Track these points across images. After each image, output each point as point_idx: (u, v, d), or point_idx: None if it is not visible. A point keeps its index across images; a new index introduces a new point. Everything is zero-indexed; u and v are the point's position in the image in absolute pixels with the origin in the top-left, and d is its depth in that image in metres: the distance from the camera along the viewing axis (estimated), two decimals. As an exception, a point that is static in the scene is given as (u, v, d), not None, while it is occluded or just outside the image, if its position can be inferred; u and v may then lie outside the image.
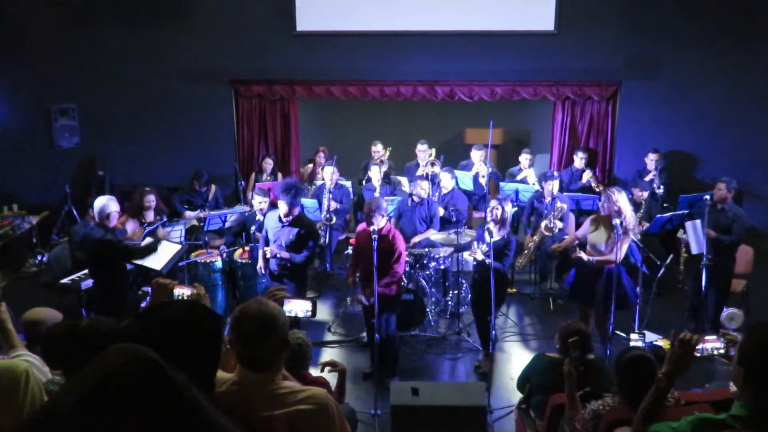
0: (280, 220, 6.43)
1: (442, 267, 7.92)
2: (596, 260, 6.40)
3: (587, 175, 9.33)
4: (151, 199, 8.12)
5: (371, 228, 6.11)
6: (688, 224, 7.08)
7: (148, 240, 6.87)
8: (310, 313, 3.79)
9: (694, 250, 7.02)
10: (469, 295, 7.50)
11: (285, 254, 6.39)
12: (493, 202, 6.60)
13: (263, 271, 6.78)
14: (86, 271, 6.90)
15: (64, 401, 1.24)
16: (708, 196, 7.11)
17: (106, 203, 6.44)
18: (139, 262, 6.62)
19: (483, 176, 9.29)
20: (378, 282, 6.09)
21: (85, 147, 10.10)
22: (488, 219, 6.60)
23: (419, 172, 9.33)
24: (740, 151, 10.01)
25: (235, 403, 2.34)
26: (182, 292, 3.41)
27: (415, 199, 8.10)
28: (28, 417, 1.35)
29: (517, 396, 5.38)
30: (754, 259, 7.91)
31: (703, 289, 6.87)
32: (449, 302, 8.00)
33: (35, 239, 9.73)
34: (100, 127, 10.24)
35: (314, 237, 6.61)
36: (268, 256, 6.52)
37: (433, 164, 9.35)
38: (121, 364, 1.31)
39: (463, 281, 7.99)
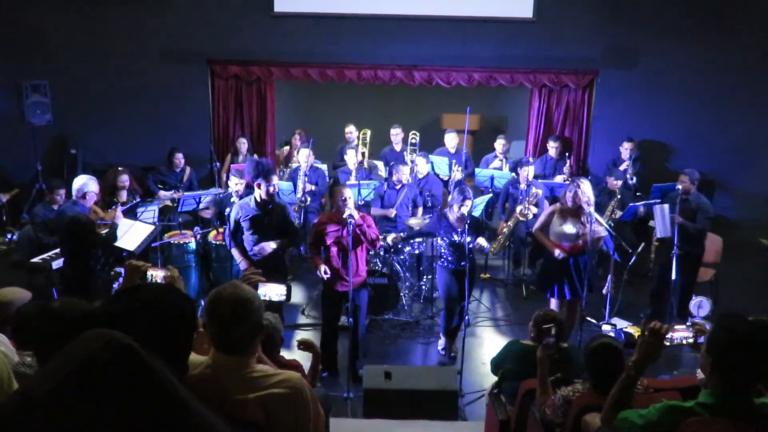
0: (257, 206, 6.24)
1: (417, 252, 7.95)
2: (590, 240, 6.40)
3: (566, 170, 9.26)
4: (124, 179, 8.04)
5: (346, 215, 5.85)
6: (656, 208, 7.12)
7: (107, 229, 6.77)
8: (284, 297, 3.79)
9: (659, 233, 7.09)
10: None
11: (272, 246, 6.26)
12: (468, 202, 6.46)
13: (244, 265, 6.27)
14: (58, 250, 6.82)
15: (39, 388, 1.23)
16: (679, 186, 7.22)
17: (85, 182, 6.38)
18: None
19: (457, 171, 9.19)
20: (360, 269, 6.14)
21: (58, 125, 9.96)
22: (456, 213, 6.46)
23: (407, 158, 9.29)
24: (713, 143, 10.17)
25: (208, 386, 2.33)
26: (155, 274, 3.39)
27: (397, 184, 8.14)
28: (1, 406, 1.33)
29: (488, 380, 5.43)
30: (723, 248, 8.01)
31: (674, 276, 6.96)
32: (423, 287, 8.03)
33: (5, 217, 9.61)
34: (73, 105, 10.09)
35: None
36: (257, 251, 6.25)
37: (413, 145, 9.39)
38: (97, 351, 1.29)
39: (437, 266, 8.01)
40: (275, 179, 6.27)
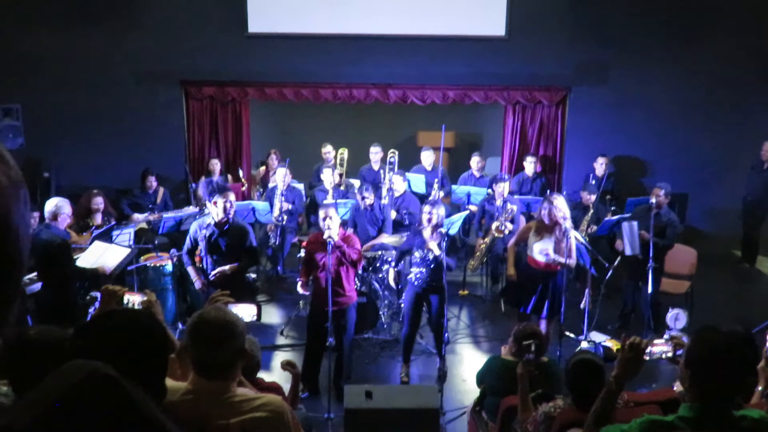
0: (214, 225, 6.22)
1: (396, 269, 7.93)
2: (557, 261, 6.42)
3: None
4: (99, 202, 7.95)
5: (326, 236, 5.84)
6: (625, 225, 7.22)
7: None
8: (255, 318, 3.78)
9: (628, 251, 7.19)
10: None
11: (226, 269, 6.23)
12: (426, 207, 6.46)
13: (204, 289, 6.37)
14: (33, 275, 6.71)
15: (20, 421, 1.21)
16: (653, 200, 7.33)
17: (57, 203, 6.30)
18: (87, 266, 6.47)
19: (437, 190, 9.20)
20: (348, 290, 6.11)
21: (30, 148, 9.84)
22: (425, 224, 6.40)
23: (384, 177, 9.29)
24: (685, 157, 10.30)
25: (189, 412, 2.31)
26: (133, 298, 3.37)
27: (362, 204, 8.15)
28: None
29: (469, 397, 5.42)
30: (697, 261, 8.11)
31: (650, 291, 7.04)
32: (402, 305, 8.00)
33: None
34: (46, 128, 9.99)
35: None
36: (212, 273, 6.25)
37: (391, 164, 9.41)
38: (78, 382, 1.28)
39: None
40: (231, 196, 6.24)
